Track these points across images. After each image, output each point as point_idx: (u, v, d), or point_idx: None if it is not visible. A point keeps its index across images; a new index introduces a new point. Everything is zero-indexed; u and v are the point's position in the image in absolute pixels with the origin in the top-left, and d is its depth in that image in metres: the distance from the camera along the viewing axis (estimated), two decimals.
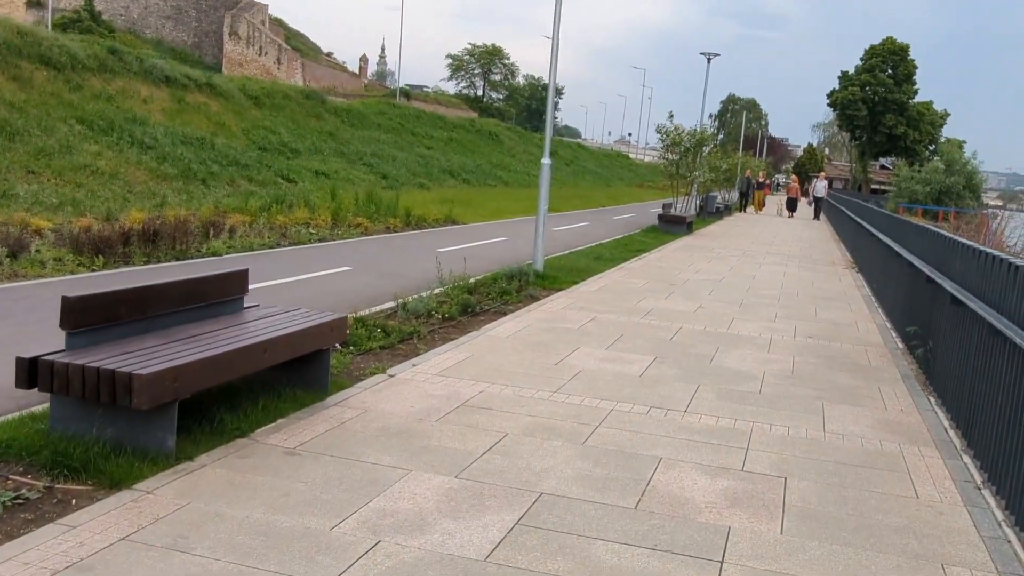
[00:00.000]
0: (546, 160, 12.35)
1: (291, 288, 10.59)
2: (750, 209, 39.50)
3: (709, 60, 31.59)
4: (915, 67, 69.42)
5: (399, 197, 21.05)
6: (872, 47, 70.52)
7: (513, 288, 11.02)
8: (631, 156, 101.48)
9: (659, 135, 25.03)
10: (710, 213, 31.47)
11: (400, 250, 15.08)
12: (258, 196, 19.11)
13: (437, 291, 10.26)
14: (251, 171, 24.04)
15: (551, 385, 6.74)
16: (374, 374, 6.74)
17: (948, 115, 70.41)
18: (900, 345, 9.49)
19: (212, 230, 13.05)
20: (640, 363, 7.71)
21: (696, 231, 24.69)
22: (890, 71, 69.00)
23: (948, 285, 6.66)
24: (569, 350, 8.01)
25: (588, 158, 74.88)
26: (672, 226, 23.24)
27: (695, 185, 28.07)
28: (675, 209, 25.10)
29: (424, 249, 15.26)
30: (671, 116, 25.09)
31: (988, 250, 5.70)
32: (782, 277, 15.09)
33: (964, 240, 6.76)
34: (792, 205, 39.16)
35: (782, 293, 13.05)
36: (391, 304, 9.42)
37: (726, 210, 34.81)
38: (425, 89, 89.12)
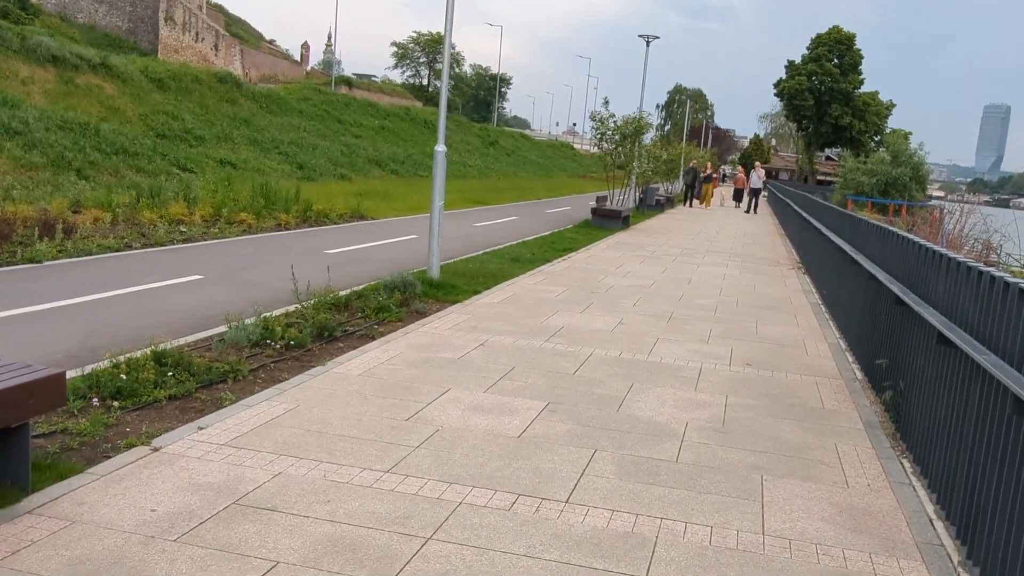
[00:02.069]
0: (440, 147, 10.35)
1: (94, 308, 8.38)
2: (696, 202, 38.08)
3: (648, 43, 29.82)
4: (861, 57, 68.86)
5: (301, 189, 18.80)
6: (819, 36, 69.87)
7: (394, 302, 9.02)
8: (575, 147, 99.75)
9: (593, 123, 23.19)
10: (650, 206, 29.76)
11: (280, 252, 12.91)
12: (137, 188, 16.71)
13: (292, 308, 8.25)
14: (141, 160, 21.54)
15: (388, 458, 4.79)
16: (132, 447, 4.72)
17: (894, 106, 69.93)
18: (859, 375, 7.70)
19: (40, 229, 10.80)
20: (525, 413, 5.80)
21: (633, 226, 22.92)
22: (836, 60, 68.35)
23: (932, 317, 4.83)
24: (436, 394, 6.07)
25: (531, 148, 72.92)
26: (607, 221, 21.38)
27: (634, 176, 26.33)
28: (611, 202, 23.29)
29: (310, 251, 13.16)
30: (606, 103, 23.21)
31: (1001, 274, 3.86)
32: (721, 281, 13.33)
33: (953, 254, 4.93)
34: (739, 196, 40.62)
35: (720, 302, 11.26)
36: (223, 328, 7.39)
37: (668, 203, 33.15)
38: (374, 78, 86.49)
